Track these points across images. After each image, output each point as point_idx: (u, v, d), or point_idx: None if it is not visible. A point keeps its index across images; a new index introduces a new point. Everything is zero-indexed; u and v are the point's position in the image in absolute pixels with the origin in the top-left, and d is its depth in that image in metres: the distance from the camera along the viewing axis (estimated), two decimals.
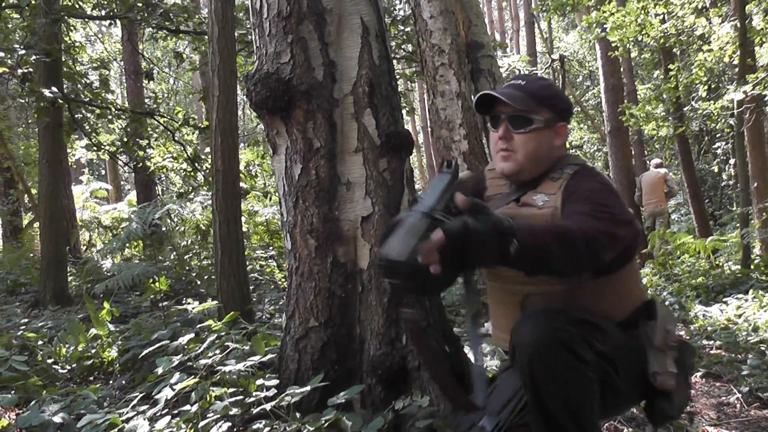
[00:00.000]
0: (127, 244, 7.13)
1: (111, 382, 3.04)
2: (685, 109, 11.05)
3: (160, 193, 13.68)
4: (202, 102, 8.07)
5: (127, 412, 2.12)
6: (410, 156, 2.40)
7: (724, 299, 5.03)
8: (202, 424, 1.95)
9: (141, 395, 2.31)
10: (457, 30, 4.68)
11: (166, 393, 2.12)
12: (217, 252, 3.95)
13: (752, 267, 6.21)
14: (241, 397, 2.09)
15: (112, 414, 2.08)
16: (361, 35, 2.30)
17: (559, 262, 1.27)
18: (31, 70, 6.02)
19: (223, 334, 2.71)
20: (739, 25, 6.48)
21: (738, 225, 7.34)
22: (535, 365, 1.33)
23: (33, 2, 6.17)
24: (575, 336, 1.34)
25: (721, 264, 7.16)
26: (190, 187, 8.31)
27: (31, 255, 8.99)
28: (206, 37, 5.16)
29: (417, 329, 1.64)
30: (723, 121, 10.65)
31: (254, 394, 2.10)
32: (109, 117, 7.78)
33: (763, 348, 3.38)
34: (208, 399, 2.10)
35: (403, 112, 4.31)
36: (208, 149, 5.79)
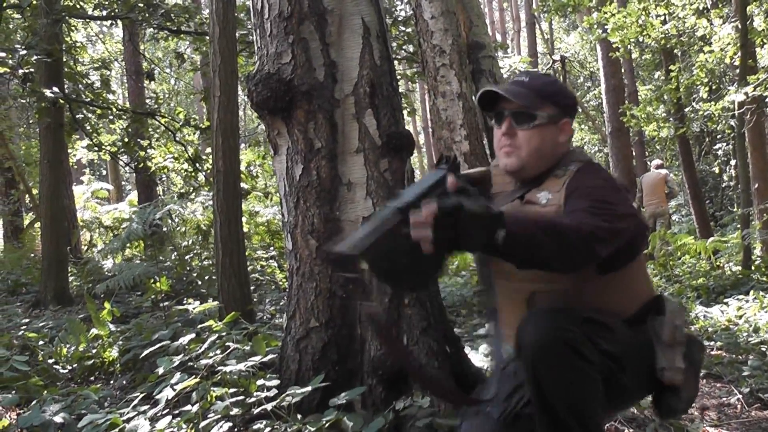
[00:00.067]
0: (128, 245, 7.12)
1: (112, 382, 3.04)
2: (686, 110, 11.04)
3: (161, 193, 13.68)
4: (203, 102, 8.08)
5: (127, 412, 2.13)
6: (411, 156, 2.41)
7: (725, 300, 5.02)
8: (203, 424, 1.96)
9: (142, 395, 2.31)
10: (458, 31, 4.68)
11: (167, 393, 2.13)
12: (218, 252, 3.95)
13: (753, 268, 6.20)
14: (241, 397, 2.10)
15: (113, 414, 2.09)
16: (362, 36, 2.30)
17: (549, 256, 1.26)
18: (32, 70, 6.03)
19: (224, 334, 2.71)
20: (740, 26, 6.48)
21: (739, 226, 7.33)
22: (539, 365, 1.32)
23: (34, 2, 6.18)
24: (580, 336, 1.33)
25: (721, 265, 7.15)
26: (191, 188, 8.31)
27: (32, 255, 9.00)
28: (207, 37, 5.16)
29: (380, 324, 1.62)
30: (724, 122, 10.66)
31: (255, 394, 2.10)
32: (110, 117, 7.77)
33: (763, 349, 3.38)
34: (209, 399, 2.11)
35: (404, 112, 4.31)
36: (209, 150, 5.79)
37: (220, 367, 2.26)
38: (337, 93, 2.28)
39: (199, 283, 6.33)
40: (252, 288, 4.84)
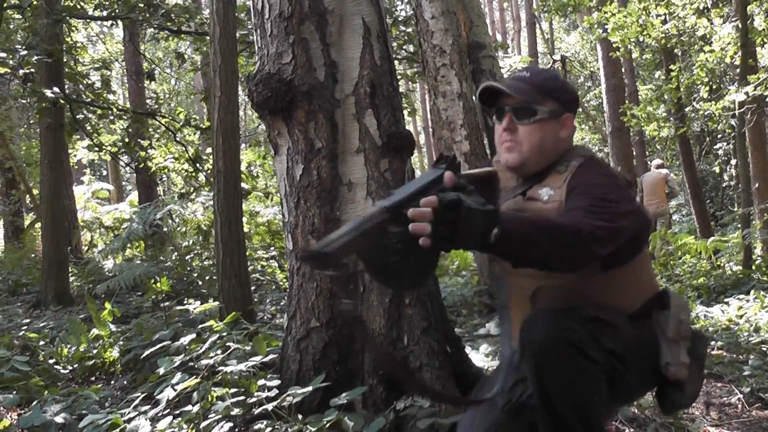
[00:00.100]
0: (129, 245, 7.12)
1: (112, 382, 3.04)
2: (687, 109, 11.04)
3: (162, 193, 13.67)
4: (203, 102, 8.07)
5: (128, 413, 2.13)
6: (411, 156, 2.41)
7: (726, 300, 5.02)
8: (203, 424, 1.96)
9: (142, 395, 2.31)
10: (459, 31, 4.68)
11: (168, 393, 2.13)
12: (218, 252, 3.95)
13: (753, 268, 6.20)
14: (242, 397, 2.10)
15: (113, 414, 2.09)
16: (362, 36, 2.30)
17: (546, 255, 1.26)
18: (32, 70, 6.03)
19: (224, 334, 2.72)
20: (740, 25, 6.48)
21: (739, 225, 7.33)
22: (543, 366, 1.32)
23: (35, 3, 6.18)
24: (584, 335, 1.33)
25: (722, 264, 7.15)
26: (192, 188, 8.31)
27: (33, 255, 9.00)
28: (208, 37, 5.16)
29: (356, 322, 1.61)
30: (724, 121, 10.66)
31: (256, 394, 2.10)
32: (111, 117, 7.77)
33: (764, 348, 3.38)
34: (210, 399, 2.11)
35: (405, 112, 4.32)
36: (209, 150, 5.79)
37: (220, 368, 2.27)
38: (337, 93, 2.28)
39: (200, 283, 6.33)
40: (252, 288, 4.85)
